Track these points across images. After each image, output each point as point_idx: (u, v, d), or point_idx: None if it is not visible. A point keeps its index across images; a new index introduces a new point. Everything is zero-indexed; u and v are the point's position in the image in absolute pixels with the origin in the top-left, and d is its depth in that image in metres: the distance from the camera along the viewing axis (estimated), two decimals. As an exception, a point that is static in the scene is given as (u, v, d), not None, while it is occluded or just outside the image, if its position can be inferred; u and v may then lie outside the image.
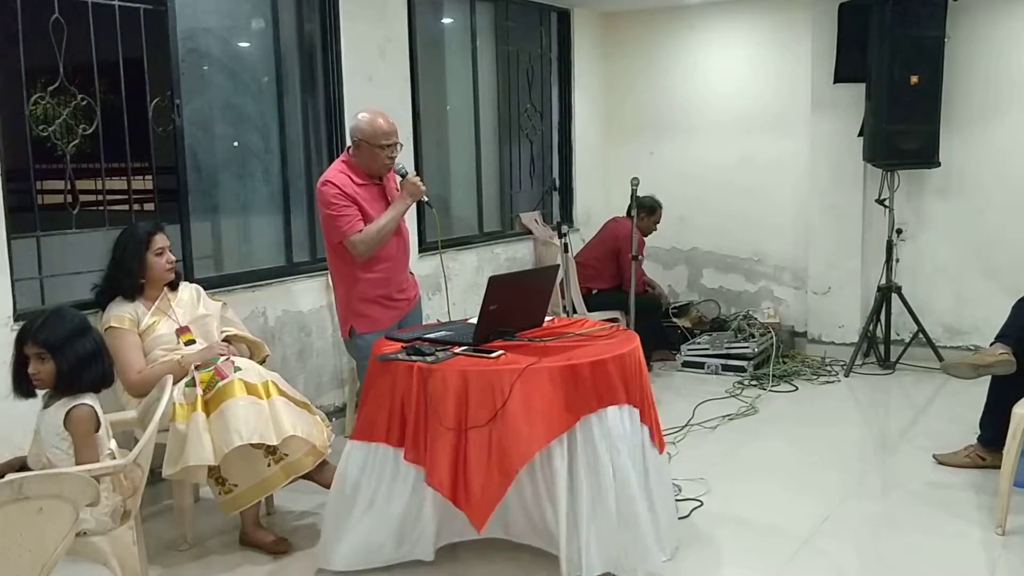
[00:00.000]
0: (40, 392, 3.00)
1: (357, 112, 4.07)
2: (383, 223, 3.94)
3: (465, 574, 3.45)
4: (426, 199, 4.08)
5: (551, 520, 3.26)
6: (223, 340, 3.92)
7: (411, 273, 4.30)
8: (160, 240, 3.82)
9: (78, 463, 2.88)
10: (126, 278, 3.76)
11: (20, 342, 2.95)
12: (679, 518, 3.82)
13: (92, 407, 2.95)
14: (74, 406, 2.92)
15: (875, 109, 6.02)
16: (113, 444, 3.11)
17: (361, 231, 3.92)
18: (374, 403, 3.36)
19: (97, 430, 2.97)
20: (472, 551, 3.53)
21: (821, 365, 6.41)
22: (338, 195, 3.91)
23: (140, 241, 3.78)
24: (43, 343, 2.91)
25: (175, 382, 3.50)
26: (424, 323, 4.32)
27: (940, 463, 4.45)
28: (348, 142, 4.10)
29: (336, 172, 4.00)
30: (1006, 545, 3.62)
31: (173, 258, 3.87)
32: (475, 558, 3.52)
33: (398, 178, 4.09)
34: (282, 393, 3.67)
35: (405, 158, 4.07)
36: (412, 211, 4.21)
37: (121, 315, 3.72)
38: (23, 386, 2.97)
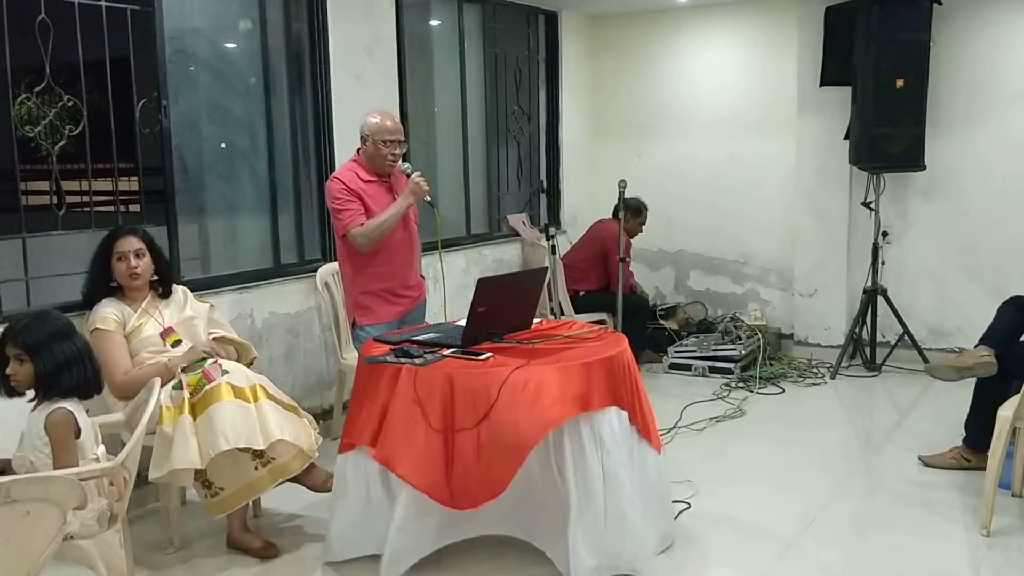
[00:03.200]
0: (27, 393, 2.97)
1: (367, 112, 4.20)
2: (384, 218, 4.06)
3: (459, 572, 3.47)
4: (428, 199, 4.19)
5: (539, 521, 3.27)
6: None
7: (421, 276, 4.36)
8: (123, 244, 3.73)
9: (55, 468, 2.86)
10: (92, 283, 3.77)
11: (2, 342, 2.93)
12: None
13: (69, 411, 2.91)
14: (52, 410, 2.90)
15: (861, 112, 6.05)
16: (101, 450, 3.08)
17: (362, 224, 4.03)
18: (361, 406, 3.36)
19: (77, 436, 2.94)
20: (456, 554, 3.53)
21: (807, 367, 6.43)
22: (343, 190, 4.06)
23: (104, 246, 3.76)
24: (22, 344, 2.89)
25: (162, 384, 3.48)
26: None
27: (926, 464, 4.47)
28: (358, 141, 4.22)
29: (344, 169, 4.18)
30: (991, 546, 3.64)
31: (138, 263, 3.73)
32: (458, 561, 3.52)
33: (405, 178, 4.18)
34: (270, 396, 3.65)
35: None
36: (416, 211, 4.30)
37: (106, 316, 3.70)
38: (5, 386, 2.96)
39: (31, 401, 2.96)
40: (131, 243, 3.75)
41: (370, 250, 4.08)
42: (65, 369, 2.91)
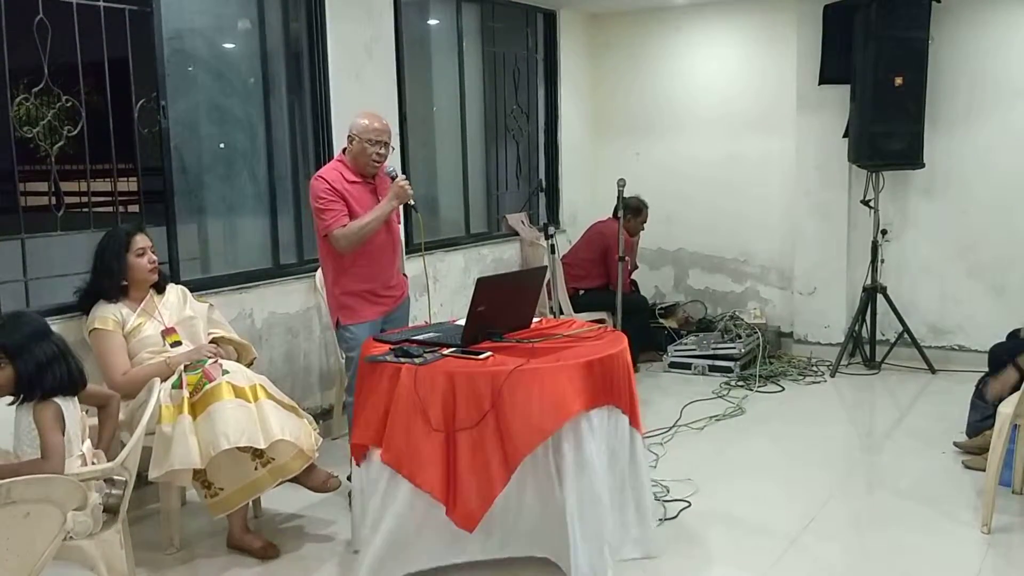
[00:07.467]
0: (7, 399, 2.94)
1: (357, 112, 4.12)
2: (366, 221, 3.97)
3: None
4: (412, 202, 4.11)
5: (540, 523, 3.26)
6: (210, 342, 3.91)
7: (404, 275, 4.33)
8: (141, 240, 3.79)
9: (42, 449, 2.83)
10: (107, 280, 3.74)
11: None
12: (668, 519, 3.84)
13: (57, 404, 2.90)
14: (40, 401, 2.88)
15: (860, 110, 6.05)
16: (87, 445, 3.07)
17: (345, 226, 3.96)
18: (366, 409, 3.35)
19: (63, 431, 2.91)
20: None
21: (807, 365, 6.43)
22: (327, 190, 3.97)
23: (120, 242, 3.76)
24: (1, 348, 2.86)
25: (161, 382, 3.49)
26: (411, 324, 4.33)
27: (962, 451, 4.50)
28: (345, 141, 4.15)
29: (329, 168, 4.08)
30: (992, 543, 3.64)
31: (155, 258, 3.84)
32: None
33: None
34: (270, 396, 3.65)
35: (392, 157, 4.14)
36: (400, 212, 4.26)
37: (105, 316, 3.70)
38: None
39: (11, 404, 2.93)
40: (146, 239, 3.83)
41: (351, 252, 4.01)
42: (47, 368, 2.88)
